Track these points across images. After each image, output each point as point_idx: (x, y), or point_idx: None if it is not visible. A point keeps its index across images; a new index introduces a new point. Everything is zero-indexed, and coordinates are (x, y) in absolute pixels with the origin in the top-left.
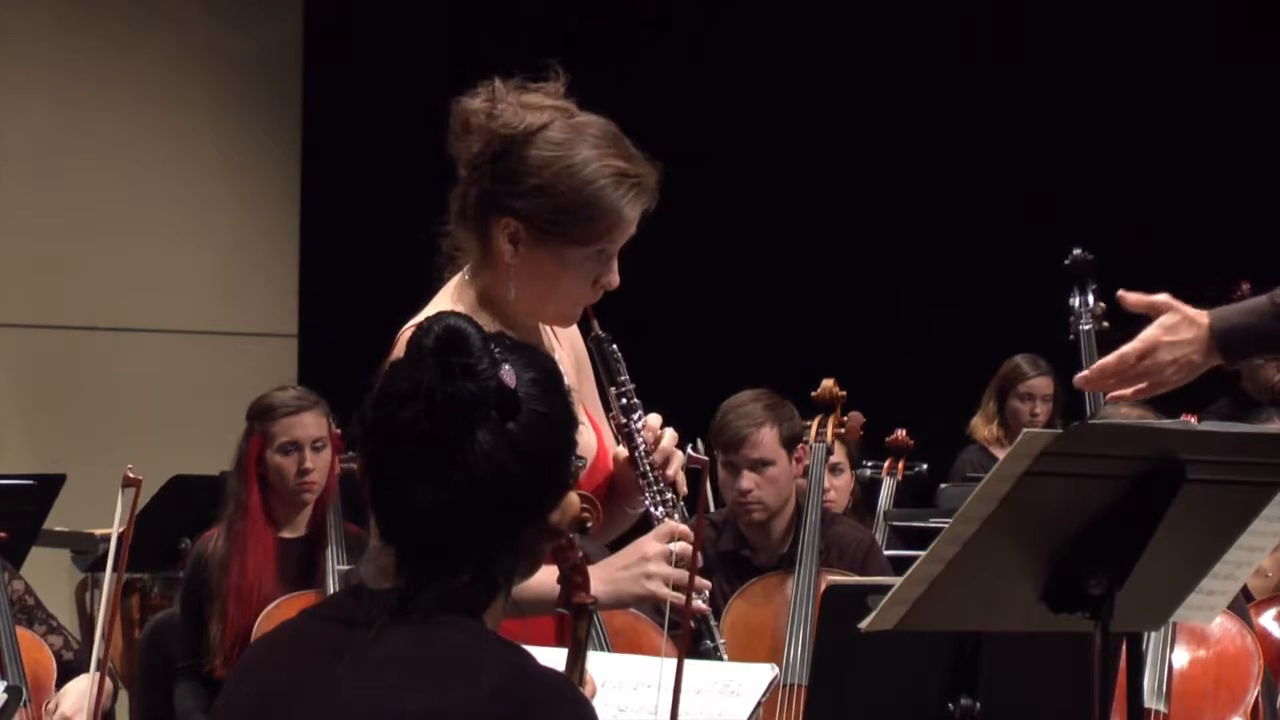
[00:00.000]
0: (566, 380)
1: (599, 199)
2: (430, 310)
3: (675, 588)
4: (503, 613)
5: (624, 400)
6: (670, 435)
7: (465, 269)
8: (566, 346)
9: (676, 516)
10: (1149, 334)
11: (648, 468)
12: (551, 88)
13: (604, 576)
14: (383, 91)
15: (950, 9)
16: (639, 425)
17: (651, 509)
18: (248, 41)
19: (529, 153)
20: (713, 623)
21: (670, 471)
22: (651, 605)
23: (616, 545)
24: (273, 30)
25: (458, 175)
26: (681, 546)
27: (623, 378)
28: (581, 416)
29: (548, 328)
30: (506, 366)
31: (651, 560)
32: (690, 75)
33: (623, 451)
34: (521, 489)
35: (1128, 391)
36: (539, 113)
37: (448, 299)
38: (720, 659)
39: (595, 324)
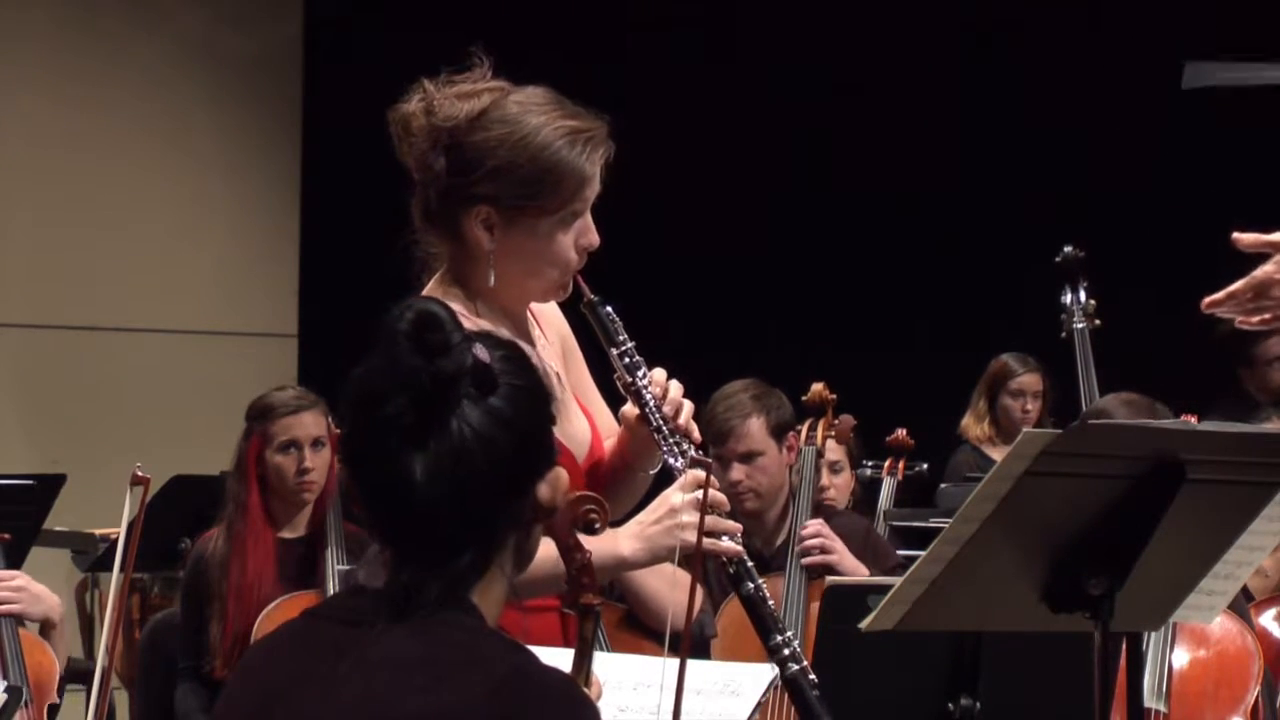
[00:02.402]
0: (554, 366)
1: (559, 162)
2: None
3: (706, 537)
4: (504, 599)
5: (627, 360)
6: (676, 386)
7: (440, 271)
8: (552, 334)
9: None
10: (1263, 271)
11: (660, 422)
12: (479, 74)
13: (635, 534)
14: (383, 92)
15: (950, 9)
16: (645, 382)
17: (671, 461)
18: (248, 41)
19: (478, 138)
20: (749, 564)
21: (683, 420)
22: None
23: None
24: (273, 30)
25: (413, 182)
26: (710, 494)
27: (622, 337)
28: (573, 404)
29: (532, 318)
30: (477, 344)
31: (681, 511)
32: (689, 73)
33: (632, 410)
34: (511, 462)
35: (1252, 320)
36: (475, 98)
37: None
38: (763, 598)
39: (586, 290)
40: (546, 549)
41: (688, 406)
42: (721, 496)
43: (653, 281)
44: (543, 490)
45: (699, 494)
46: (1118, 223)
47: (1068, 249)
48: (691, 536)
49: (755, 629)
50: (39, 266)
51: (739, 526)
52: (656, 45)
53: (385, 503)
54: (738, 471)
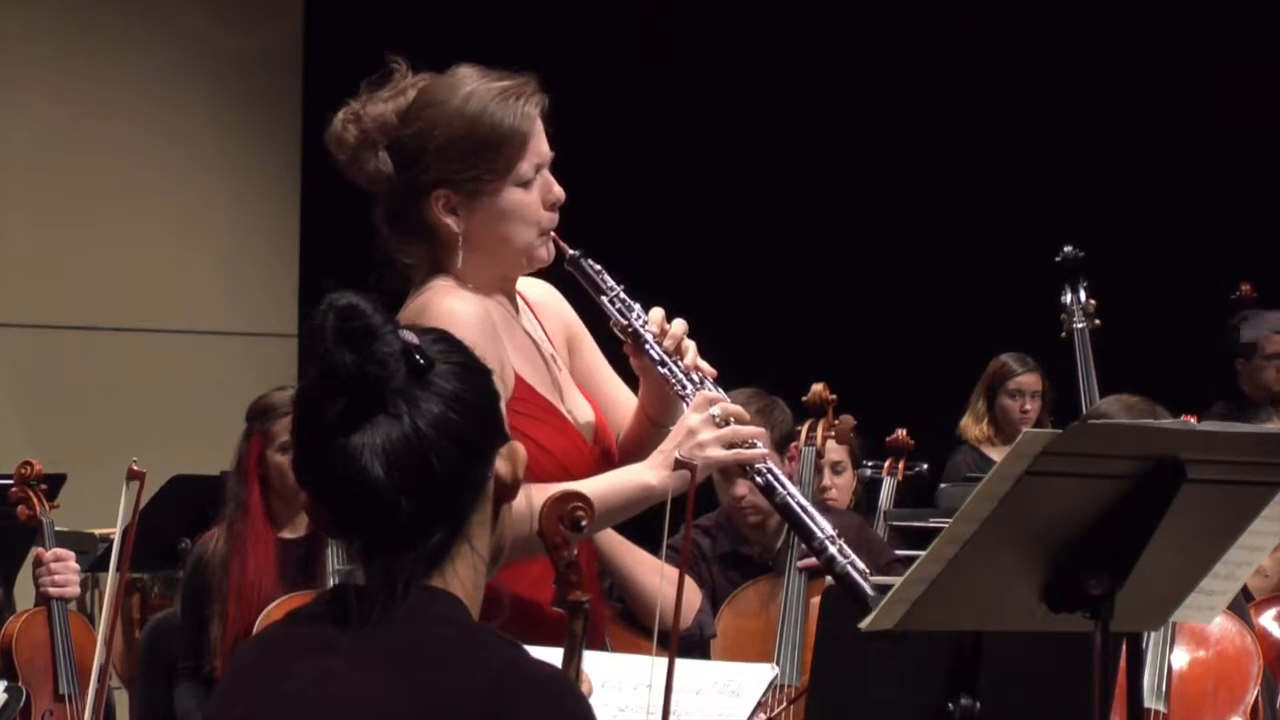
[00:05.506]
0: (549, 349)
1: (496, 122)
2: (424, 320)
3: (730, 448)
4: (482, 583)
5: (618, 304)
6: (680, 323)
7: (423, 271)
8: (555, 325)
9: (707, 388)
10: None
11: (664, 355)
12: (399, 75)
13: (659, 463)
14: None
15: (950, 9)
16: (640, 321)
17: (679, 391)
18: (248, 42)
19: (414, 128)
20: (778, 471)
21: (690, 361)
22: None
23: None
24: (273, 30)
25: (372, 197)
26: (723, 408)
27: (609, 283)
28: (574, 388)
29: (526, 305)
30: (402, 329)
31: (699, 431)
32: (689, 75)
33: (633, 354)
34: (462, 432)
35: None
36: (402, 95)
37: (425, 306)
38: (799, 502)
39: (565, 247)
40: (517, 505)
41: (693, 347)
42: (737, 408)
43: (652, 281)
44: (501, 465)
45: (714, 410)
46: (1118, 223)
47: (1068, 249)
48: (714, 453)
49: (795, 533)
50: (39, 266)
51: (764, 431)
52: (657, 47)
53: (348, 500)
54: (741, 487)
